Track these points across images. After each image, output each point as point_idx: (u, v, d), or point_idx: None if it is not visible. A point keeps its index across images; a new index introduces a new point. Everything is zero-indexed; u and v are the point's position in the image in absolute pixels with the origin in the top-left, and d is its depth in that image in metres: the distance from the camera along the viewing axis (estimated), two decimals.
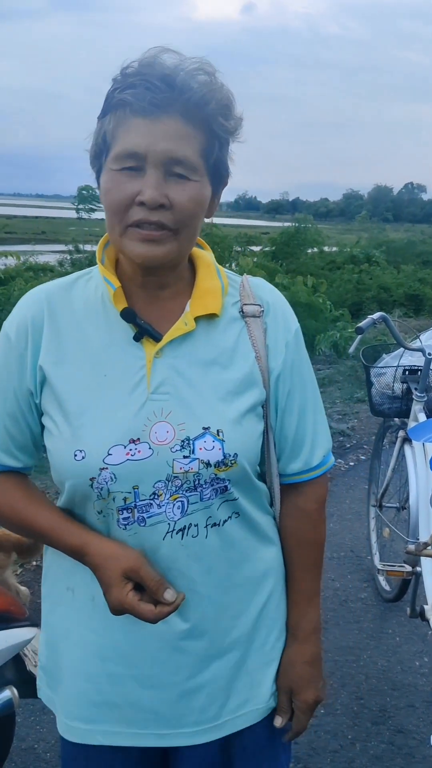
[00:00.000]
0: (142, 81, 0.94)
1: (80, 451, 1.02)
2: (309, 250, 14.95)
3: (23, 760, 2.24)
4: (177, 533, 1.04)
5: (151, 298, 1.08)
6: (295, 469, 1.16)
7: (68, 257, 14.32)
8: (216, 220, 16.19)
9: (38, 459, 1.18)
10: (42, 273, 10.70)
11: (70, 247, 14.90)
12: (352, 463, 5.08)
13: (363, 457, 5.17)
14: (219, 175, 1.06)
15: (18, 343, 1.08)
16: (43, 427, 1.10)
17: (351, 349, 3.04)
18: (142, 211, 0.97)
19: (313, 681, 1.19)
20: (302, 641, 1.19)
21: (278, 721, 1.18)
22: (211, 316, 1.09)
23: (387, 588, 3.19)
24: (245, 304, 1.12)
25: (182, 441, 1.02)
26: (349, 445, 5.45)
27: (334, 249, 16.76)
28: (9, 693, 1.68)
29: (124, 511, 1.03)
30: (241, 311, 1.12)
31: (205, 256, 1.14)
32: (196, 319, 1.07)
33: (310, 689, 1.18)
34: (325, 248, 16.22)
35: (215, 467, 1.03)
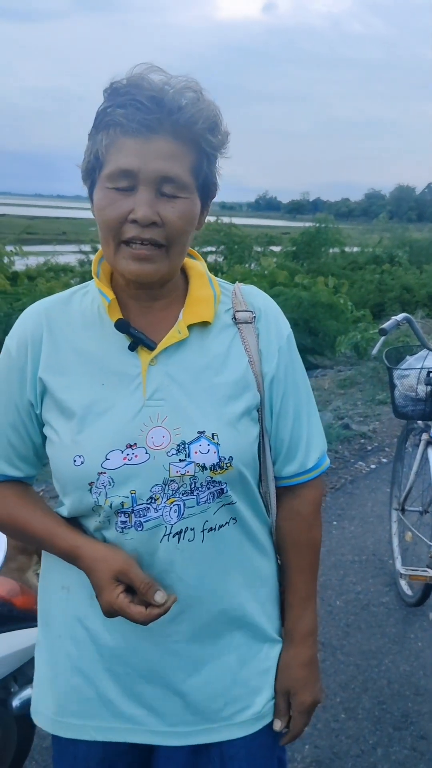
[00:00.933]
0: (132, 101, 0.97)
1: (79, 456, 1.05)
2: (330, 251, 14.86)
3: (44, 759, 2.25)
4: (173, 536, 1.06)
5: (145, 308, 1.12)
6: (291, 471, 1.18)
7: (86, 258, 14.41)
8: (236, 221, 16.19)
9: (40, 468, 1.21)
10: (63, 273, 10.77)
11: (90, 248, 14.98)
12: (373, 466, 5.04)
13: (384, 460, 5.12)
14: (207, 190, 1.09)
15: (18, 357, 1.12)
16: (44, 437, 1.14)
17: (374, 351, 3.01)
18: (134, 229, 1.00)
19: (309, 683, 1.20)
20: (298, 644, 1.20)
21: (277, 725, 1.19)
22: (204, 324, 1.12)
23: (409, 592, 3.16)
24: (237, 311, 1.15)
25: (178, 445, 1.05)
26: (370, 448, 5.41)
27: (356, 249, 16.65)
28: (31, 691, 1.69)
29: (122, 515, 1.05)
30: (234, 318, 1.15)
31: (197, 266, 1.17)
32: (189, 327, 1.10)
33: (306, 691, 1.19)
34: (347, 248, 16.12)
35: (211, 470, 1.05)
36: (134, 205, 0.99)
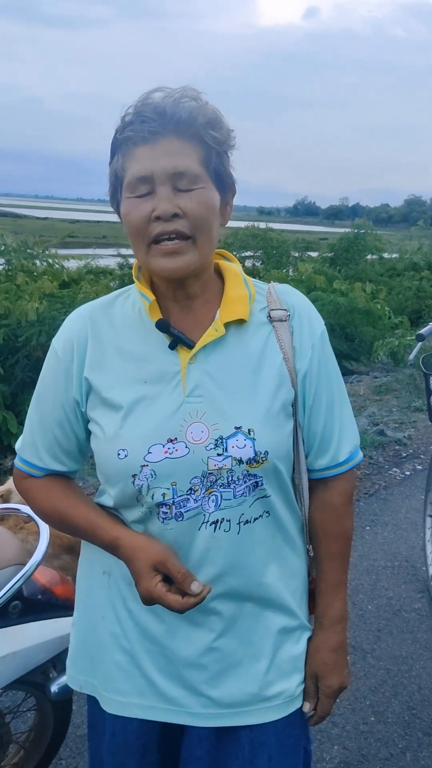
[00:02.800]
0: (138, 117, 1.06)
1: (123, 450, 1.11)
2: (369, 257, 14.75)
3: (77, 746, 2.31)
4: (210, 525, 1.11)
5: (184, 309, 1.17)
6: (323, 464, 1.23)
7: (125, 261, 14.59)
8: (274, 226, 16.19)
9: (83, 464, 1.28)
10: (103, 276, 10.93)
11: (123, 252, 15.16)
12: (408, 473, 5.01)
13: (419, 467, 5.08)
14: (223, 183, 1.13)
15: (65, 357, 1.19)
16: (88, 434, 1.21)
17: (411, 356, 3.01)
18: (159, 225, 1.06)
19: (337, 667, 1.24)
20: (328, 629, 1.25)
21: (306, 706, 1.24)
22: (240, 322, 1.16)
23: None
24: (272, 310, 1.20)
25: (216, 440, 1.10)
26: (405, 455, 5.37)
27: (395, 255, 16.47)
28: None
29: (164, 507, 1.11)
30: (269, 316, 1.19)
31: (232, 267, 1.22)
32: (226, 325, 1.15)
33: (334, 675, 1.24)
34: (386, 255, 15.97)
35: (247, 464, 1.10)
36: (155, 204, 1.06)
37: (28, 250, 7.36)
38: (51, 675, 1.81)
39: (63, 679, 1.79)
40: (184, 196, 1.06)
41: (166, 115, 1.05)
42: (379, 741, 2.41)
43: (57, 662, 1.81)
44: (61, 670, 1.81)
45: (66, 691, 1.78)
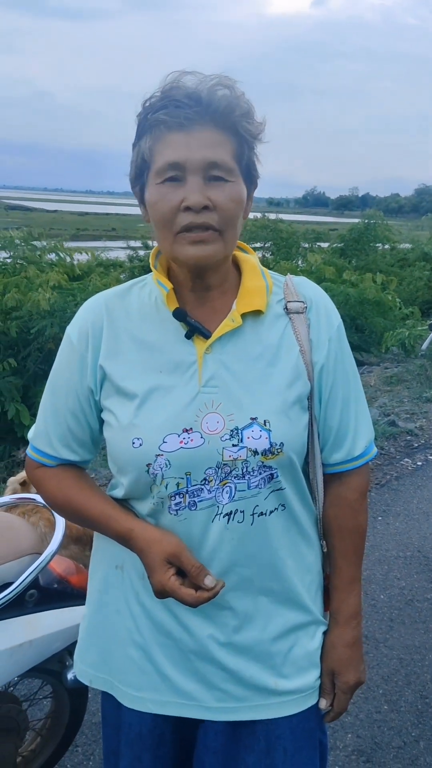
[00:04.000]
0: (172, 101, 1.04)
1: (138, 439, 1.10)
2: (379, 247, 14.68)
3: (93, 733, 2.34)
4: (224, 517, 1.10)
5: (201, 299, 1.16)
6: (338, 458, 1.21)
7: (135, 253, 14.59)
8: (284, 217, 16.12)
9: (95, 454, 1.27)
10: (113, 269, 10.95)
11: (139, 244, 15.17)
12: (420, 463, 5.00)
13: (431, 457, 5.08)
14: (251, 176, 1.13)
15: (80, 346, 1.18)
16: (101, 423, 1.20)
17: (423, 346, 3.01)
18: (189, 216, 1.05)
19: (353, 663, 1.23)
20: (343, 625, 1.24)
21: (323, 703, 1.23)
22: (257, 313, 1.16)
23: None
24: (289, 302, 1.19)
25: (231, 431, 1.09)
26: (417, 445, 5.36)
27: (406, 246, 16.38)
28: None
29: (176, 497, 1.10)
30: (286, 308, 1.18)
31: (249, 259, 1.21)
32: (243, 316, 1.14)
33: (350, 671, 1.23)
34: (398, 245, 15.88)
35: (262, 455, 1.09)
36: (185, 194, 1.04)
37: (33, 242, 7.38)
38: (67, 663, 1.83)
39: None
40: (216, 189, 1.05)
41: (203, 103, 1.03)
42: (393, 729, 2.42)
43: (73, 650, 1.82)
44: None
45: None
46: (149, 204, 1.09)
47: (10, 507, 2.31)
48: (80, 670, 1.29)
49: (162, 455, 1.09)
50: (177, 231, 1.06)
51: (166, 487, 1.10)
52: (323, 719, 1.26)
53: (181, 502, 1.10)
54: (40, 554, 1.69)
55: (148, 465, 1.10)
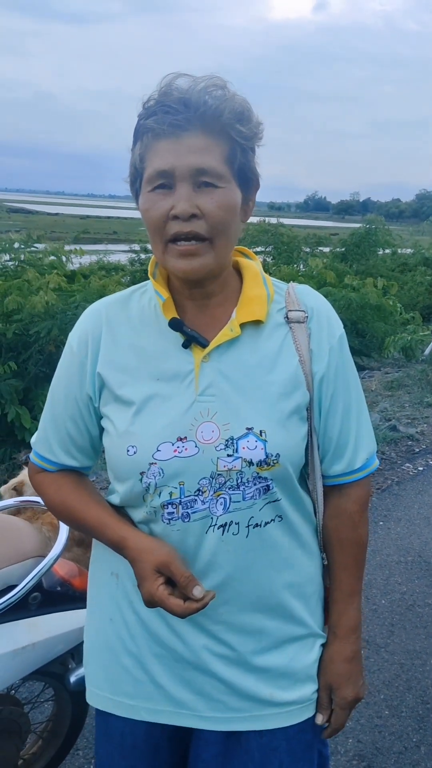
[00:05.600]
0: (161, 107, 1.02)
1: (132, 446, 1.10)
2: (380, 252, 14.68)
3: (94, 737, 2.33)
4: (218, 528, 1.09)
5: (200, 307, 1.15)
6: (338, 470, 1.19)
7: (137, 257, 14.60)
8: (285, 221, 16.14)
9: (95, 460, 1.27)
10: (114, 272, 10.96)
11: (136, 247, 15.18)
12: (421, 468, 5.00)
13: None
14: (247, 179, 1.10)
15: (79, 353, 1.18)
16: (101, 430, 1.20)
17: (426, 352, 3.02)
18: (177, 225, 1.04)
19: (352, 678, 1.21)
20: (342, 639, 1.22)
21: (319, 719, 1.21)
22: (257, 323, 1.14)
23: None
24: (290, 311, 1.17)
25: (226, 440, 1.08)
26: (418, 450, 5.37)
27: (407, 251, 16.40)
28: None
29: (169, 506, 1.09)
30: (286, 317, 1.16)
31: (252, 266, 1.20)
32: (242, 325, 1.13)
33: (349, 686, 1.20)
34: (399, 250, 15.90)
35: (257, 466, 1.07)
36: (174, 201, 1.03)
37: (34, 245, 7.38)
38: (70, 666, 1.83)
39: (81, 670, 1.82)
40: (205, 196, 1.04)
41: (191, 107, 1.02)
42: (393, 734, 2.42)
43: (75, 653, 1.83)
44: (80, 662, 1.83)
45: (83, 682, 1.79)
46: (141, 212, 1.09)
47: (14, 510, 2.31)
48: (92, 693, 1.26)
49: (155, 463, 1.08)
50: (167, 240, 1.06)
51: (159, 496, 1.09)
52: (321, 734, 1.24)
53: (174, 512, 1.09)
54: (44, 557, 1.69)
55: (142, 473, 1.09)
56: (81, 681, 1.80)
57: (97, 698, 1.24)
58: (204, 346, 1.11)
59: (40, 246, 7.55)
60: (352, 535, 1.22)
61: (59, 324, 5.81)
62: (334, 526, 1.22)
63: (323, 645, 1.23)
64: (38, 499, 1.97)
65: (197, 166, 1.03)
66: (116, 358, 1.15)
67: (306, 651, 1.20)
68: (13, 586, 1.62)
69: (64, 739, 2.00)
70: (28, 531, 1.81)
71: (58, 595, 1.77)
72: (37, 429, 1.28)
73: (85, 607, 1.72)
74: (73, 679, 1.80)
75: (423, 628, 3.05)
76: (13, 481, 2.74)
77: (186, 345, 1.12)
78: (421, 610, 3.19)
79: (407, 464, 5.06)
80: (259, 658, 1.15)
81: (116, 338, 1.16)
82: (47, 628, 1.71)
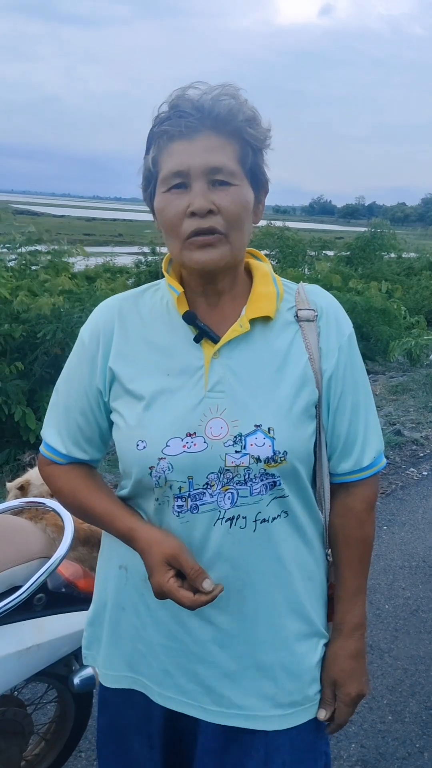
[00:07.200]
0: (176, 112, 1.06)
1: (142, 441, 1.11)
2: (385, 256, 14.69)
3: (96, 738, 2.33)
4: (226, 521, 1.10)
5: (211, 304, 1.17)
6: (346, 468, 1.21)
7: (143, 259, 14.63)
8: (290, 224, 16.16)
9: (104, 453, 1.28)
10: (119, 274, 10.99)
11: (146, 249, 15.21)
12: (425, 473, 4.99)
13: None
14: (258, 181, 1.14)
15: (91, 347, 1.20)
16: (110, 423, 1.21)
17: (431, 356, 3.01)
18: (194, 222, 1.06)
19: (356, 675, 1.22)
20: (347, 636, 1.23)
21: (322, 714, 1.22)
22: (266, 319, 1.16)
23: None
24: (300, 309, 1.19)
25: (235, 437, 1.09)
26: (422, 455, 5.35)
27: (413, 255, 16.40)
28: (92, 671, 1.77)
29: (179, 500, 1.11)
30: (296, 316, 1.18)
31: (262, 266, 1.22)
32: (252, 321, 1.14)
33: (353, 683, 1.21)
34: (404, 254, 15.90)
35: (265, 462, 1.09)
36: (190, 199, 1.06)
37: (37, 247, 7.39)
38: (74, 667, 1.83)
39: (85, 672, 1.82)
40: (220, 193, 1.06)
41: (204, 111, 1.05)
42: (397, 740, 2.41)
43: (79, 654, 1.82)
44: (83, 663, 1.83)
45: (88, 683, 1.79)
46: (157, 212, 1.11)
47: (18, 511, 2.31)
48: (106, 677, 1.29)
49: (165, 459, 1.10)
50: (185, 237, 1.08)
51: (170, 489, 1.11)
52: (325, 730, 1.25)
53: (183, 505, 1.11)
54: (49, 558, 1.69)
55: (151, 468, 1.11)
56: (85, 682, 1.80)
57: (113, 679, 1.26)
58: (215, 341, 1.13)
59: (42, 247, 7.56)
60: (359, 534, 1.23)
61: (64, 326, 5.82)
62: (340, 524, 1.23)
63: (326, 645, 1.24)
64: (43, 499, 1.98)
65: (212, 165, 1.05)
66: (128, 353, 1.17)
67: (310, 651, 1.20)
68: (18, 587, 1.62)
69: (66, 740, 1.99)
70: (33, 532, 1.81)
71: (63, 597, 1.77)
72: (41, 430, 1.29)
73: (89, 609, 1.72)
74: (76, 680, 1.80)
75: (427, 634, 3.03)
76: (18, 480, 2.75)
77: (197, 339, 1.14)
78: (425, 615, 3.18)
79: (411, 469, 5.05)
80: (263, 655, 1.16)
81: (128, 333, 1.18)
82: (52, 630, 1.71)
